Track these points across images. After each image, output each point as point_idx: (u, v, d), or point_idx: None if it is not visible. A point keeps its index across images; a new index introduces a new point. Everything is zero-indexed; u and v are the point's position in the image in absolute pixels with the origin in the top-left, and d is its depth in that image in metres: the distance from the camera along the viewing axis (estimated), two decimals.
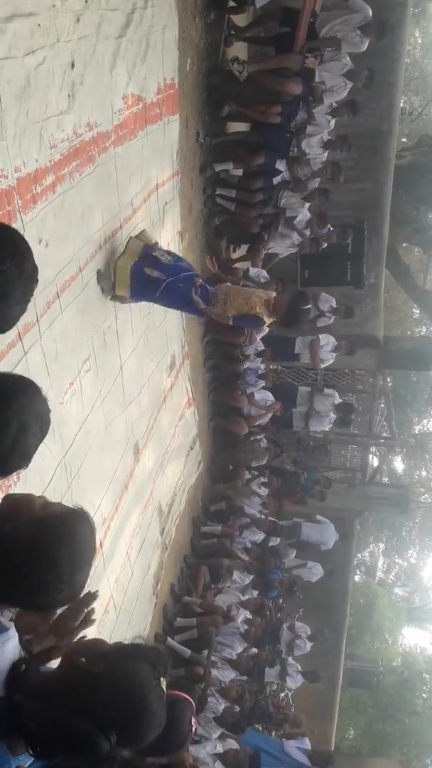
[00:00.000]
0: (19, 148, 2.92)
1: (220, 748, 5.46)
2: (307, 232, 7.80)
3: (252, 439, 8.76)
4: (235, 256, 8.48)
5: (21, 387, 1.54)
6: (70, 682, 1.47)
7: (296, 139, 6.93)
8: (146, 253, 4.35)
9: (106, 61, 3.84)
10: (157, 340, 5.46)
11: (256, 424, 8.50)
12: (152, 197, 5.04)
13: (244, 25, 6.88)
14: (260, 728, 6.90)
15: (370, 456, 12.85)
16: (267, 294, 4.79)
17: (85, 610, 1.83)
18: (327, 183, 7.76)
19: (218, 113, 6.52)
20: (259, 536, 8.42)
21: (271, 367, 8.97)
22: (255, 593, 7.79)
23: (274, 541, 8.67)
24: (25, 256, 1.56)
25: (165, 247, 4.78)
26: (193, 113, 5.99)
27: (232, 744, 5.62)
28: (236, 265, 7.91)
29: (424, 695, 20.79)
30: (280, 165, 6.97)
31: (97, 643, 1.87)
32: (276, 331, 7.00)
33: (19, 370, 3.05)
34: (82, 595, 1.63)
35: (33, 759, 1.47)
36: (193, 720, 2.56)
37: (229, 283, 4.97)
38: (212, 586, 7.26)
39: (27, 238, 1.64)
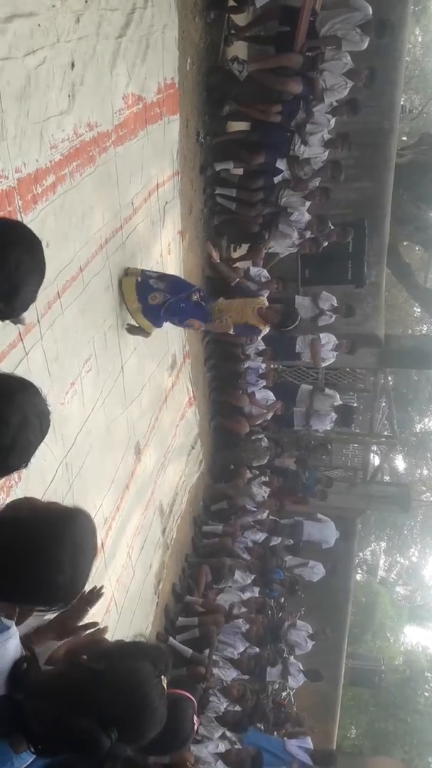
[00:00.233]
0: (19, 148, 2.92)
1: (221, 748, 5.46)
2: (308, 233, 7.80)
3: (253, 438, 8.76)
4: (235, 255, 8.48)
5: (20, 387, 1.55)
6: (71, 679, 1.47)
7: (300, 137, 6.92)
8: (144, 280, 4.56)
9: (106, 61, 3.84)
10: (158, 339, 5.45)
11: (257, 423, 8.50)
12: (153, 197, 5.04)
13: (244, 25, 6.86)
14: (262, 727, 6.91)
15: (372, 455, 12.87)
16: (258, 302, 5.05)
17: (89, 609, 1.84)
18: (328, 182, 7.75)
19: (218, 112, 6.51)
20: (261, 535, 8.42)
21: (272, 366, 8.96)
22: (256, 590, 7.80)
23: (275, 541, 8.68)
24: (38, 247, 1.81)
25: (165, 248, 4.83)
26: (194, 113, 5.99)
27: (235, 743, 5.62)
28: (237, 264, 7.92)
29: (426, 694, 20.83)
30: (281, 164, 6.96)
31: (98, 641, 1.88)
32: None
33: (20, 371, 3.05)
34: (86, 591, 1.64)
35: (35, 757, 1.47)
36: (196, 718, 2.56)
37: (221, 299, 5.11)
38: (214, 585, 7.27)
39: None
